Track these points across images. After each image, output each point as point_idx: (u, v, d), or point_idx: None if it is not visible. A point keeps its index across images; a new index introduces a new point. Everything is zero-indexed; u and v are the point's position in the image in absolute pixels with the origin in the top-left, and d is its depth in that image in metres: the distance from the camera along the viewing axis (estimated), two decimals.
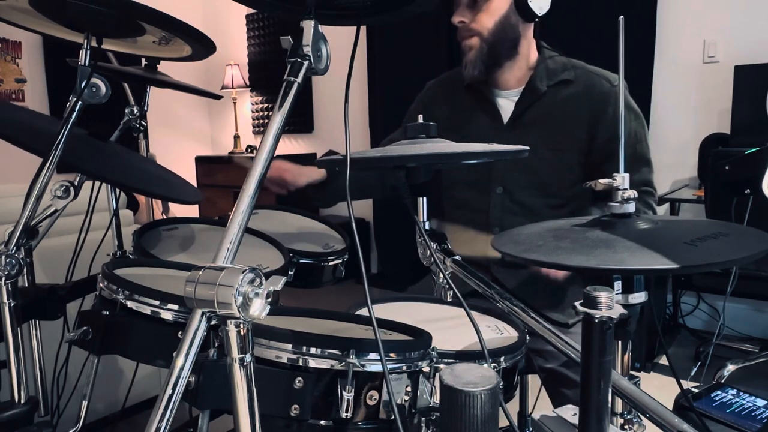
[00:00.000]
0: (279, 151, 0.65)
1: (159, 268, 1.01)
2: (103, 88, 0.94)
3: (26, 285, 1.02)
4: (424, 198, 0.91)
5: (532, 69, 1.31)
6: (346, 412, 0.67)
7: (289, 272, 1.10)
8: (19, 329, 0.88)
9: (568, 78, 1.29)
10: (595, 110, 1.25)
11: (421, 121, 0.85)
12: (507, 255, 0.58)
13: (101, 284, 0.85)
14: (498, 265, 1.32)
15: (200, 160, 4.56)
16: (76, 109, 0.92)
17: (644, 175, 1.29)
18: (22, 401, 0.87)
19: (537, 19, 1.27)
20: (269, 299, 0.52)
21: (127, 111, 1.30)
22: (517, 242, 0.62)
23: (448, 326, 0.97)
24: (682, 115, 2.89)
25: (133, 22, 0.92)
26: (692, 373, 2.41)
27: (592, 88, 1.26)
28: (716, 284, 2.53)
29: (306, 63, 0.66)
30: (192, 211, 4.19)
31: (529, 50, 1.31)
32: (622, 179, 0.63)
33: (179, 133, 4.83)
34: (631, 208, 0.63)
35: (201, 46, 1.00)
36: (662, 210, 2.67)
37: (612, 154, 1.25)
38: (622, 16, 0.64)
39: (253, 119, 4.86)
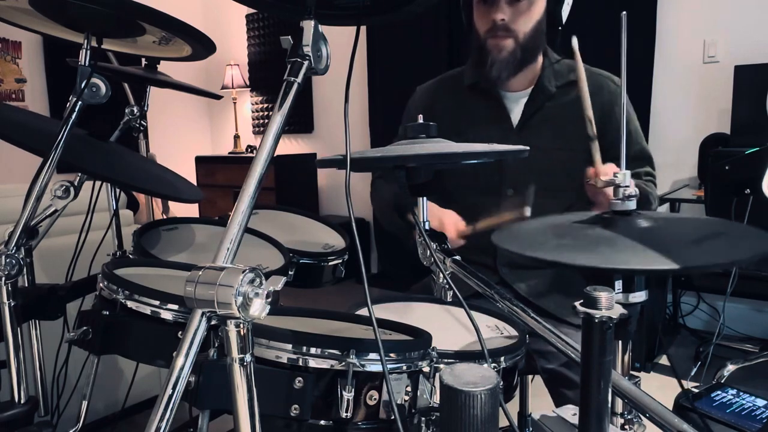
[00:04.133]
0: (279, 151, 0.65)
1: (159, 268, 1.01)
2: (103, 88, 0.94)
3: (26, 285, 1.02)
4: (424, 198, 0.91)
5: (539, 71, 1.31)
6: (346, 412, 0.67)
7: (289, 272, 1.10)
8: (19, 329, 0.88)
9: (575, 79, 1.29)
10: (603, 110, 1.26)
11: (421, 120, 0.85)
12: (508, 252, 0.58)
13: (101, 284, 0.85)
14: (506, 267, 1.31)
15: (200, 160, 4.56)
16: (76, 109, 0.92)
17: (648, 169, 1.33)
18: (22, 401, 0.87)
19: (561, 27, 1.28)
20: (269, 299, 0.52)
21: (127, 111, 1.30)
22: (517, 239, 0.62)
23: (448, 326, 0.97)
24: (682, 115, 2.89)
25: (133, 22, 0.92)
26: (692, 373, 2.41)
27: (600, 89, 1.28)
28: (716, 284, 2.53)
29: (306, 63, 0.66)
30: (192, 211, 4.19)
31: (541, 54, 1.32)
32: (623, 176, 0.63)
33: (179, 133, 4.83)
34: (632, 205, 0.63)
35: (201, 46, 1.00)
36: (662, 210, 2.67)
37: (619, 154, 1.26)
38: (624, 12, 0.64)
39: (253, 119, 4.86)
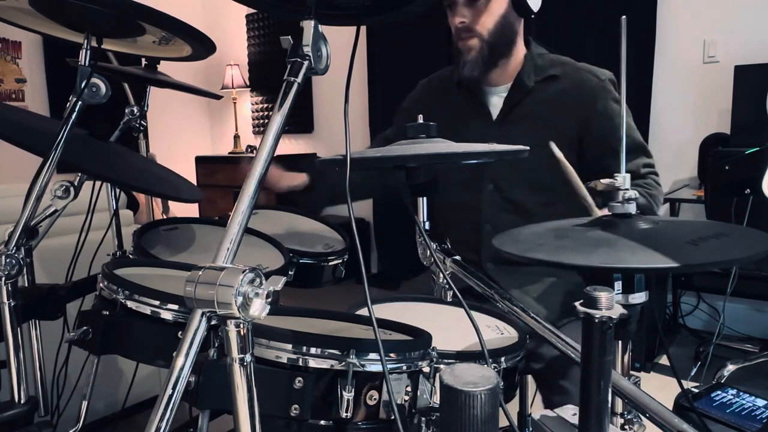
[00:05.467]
0: (279, 151, 0.65)
1: (159, 268, 1.01)
2: (103, 88, 0.94)
3: (26, 285, 1.01)
4: (424, 198, 0.91)
5: (520, 65, 1.30)
6: (346, 412, 0.67)
7: (289, 272, 1.10)
8: (19, 329, 0.88)
9: (555, 74, 1.28)
10: (584, 106, 1.25)
11: (421, 120, 0.85)
12: (508, 254, 0.58)
13: (101, 284, 0.85)
14: (491, 263, 1.31)
15: (200, 160, 4.56)
16: (76, 109, 0.92)
17: (646, 159, 1.29)
18: (22, 401, 0.87)
19: (533, 16, 1.27)
20: (269, 299, 0.52)
21: (127, 111, 1.30)
22: (517, 241, 0.62)
23: (448, 326, 0.97)
24: (682, 115, 2.89)
25: (133, 22, 0.92)
26: (692, 373, 2.41)
27: (581, 84, 1.26)
28: (716, 284, 2.53)
29: (306, 63, 0.66)
30: (192, 211, 4.19)
31: (520, 47, 1.31)
32: (623, 179, 0.63)
33: (179, 133, 4.83)
34: (632, 208, 0.63)
35: (201, 46, 1.00)
36: (662, 210, 2.67)
37: (611, 148, 1.24)
38: (624, 17, 0.64)
39: (253, 119, 4.86)
